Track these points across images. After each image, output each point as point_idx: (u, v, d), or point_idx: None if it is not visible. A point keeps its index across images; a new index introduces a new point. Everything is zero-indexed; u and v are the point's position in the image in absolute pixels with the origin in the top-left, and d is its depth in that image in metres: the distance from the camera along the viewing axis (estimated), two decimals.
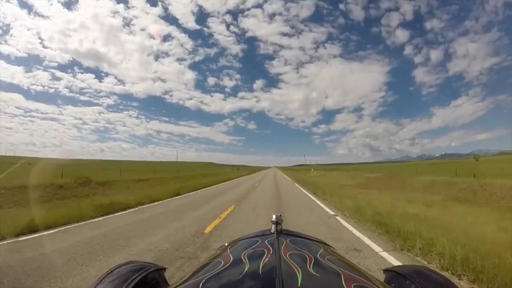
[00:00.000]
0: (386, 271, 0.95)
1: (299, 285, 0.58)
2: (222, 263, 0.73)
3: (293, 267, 0.65)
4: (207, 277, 0.64)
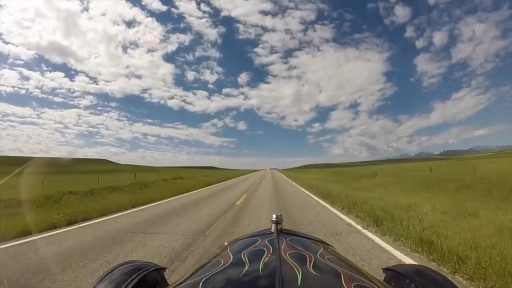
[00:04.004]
0: (385, 270, 0.96)
1: (299, 284, 0.58)
2: (222, 262, 0.73)
3: (293, 266, 0.65)
4: (207, 277, 0.64)
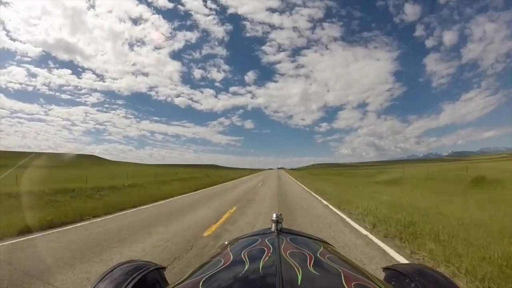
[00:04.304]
0: (386, 269, 0.95)
1: (299, 283, 0.57)
2: (222, 261, 0.73)
3: (293, 265, 0.65)
4: (207, 276, 0.64)
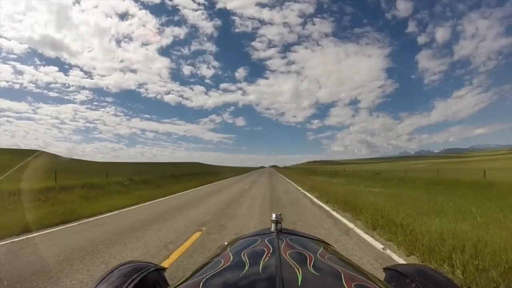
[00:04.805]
0: (386, 269, 0.95)
1: (299, 284, 0.57)
2: (222, 262, 0.73)
3: (293, 266, 0.65)
4: (207, 277, 0.64)
